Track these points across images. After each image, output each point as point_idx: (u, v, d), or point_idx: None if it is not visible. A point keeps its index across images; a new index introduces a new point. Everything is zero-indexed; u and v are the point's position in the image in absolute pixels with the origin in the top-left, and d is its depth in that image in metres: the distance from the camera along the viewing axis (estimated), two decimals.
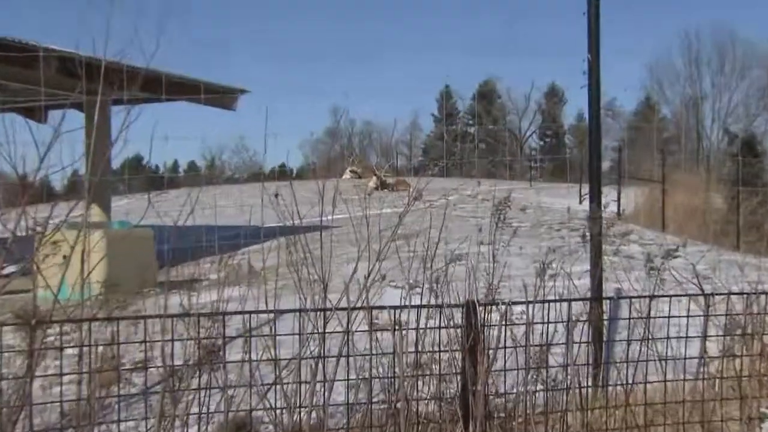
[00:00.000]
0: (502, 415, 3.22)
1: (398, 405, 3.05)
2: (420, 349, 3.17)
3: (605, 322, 3.74)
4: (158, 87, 8.08)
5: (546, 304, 3.25)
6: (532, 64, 71.93)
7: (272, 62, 73.43)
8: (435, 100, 64.15)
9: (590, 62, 4.08)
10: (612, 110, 53.37)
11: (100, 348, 2.87)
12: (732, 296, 3.55)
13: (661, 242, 9.76)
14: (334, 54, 74.30)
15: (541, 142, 65.06)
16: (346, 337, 3.02)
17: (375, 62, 75.33)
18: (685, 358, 3.38)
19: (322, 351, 3.01)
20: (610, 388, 3.58)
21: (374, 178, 25.84)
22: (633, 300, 3.44)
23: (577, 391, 3.26)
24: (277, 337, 3.05)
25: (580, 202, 18.90)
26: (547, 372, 3.30)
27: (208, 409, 2.93)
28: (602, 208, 4.05)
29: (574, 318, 3.29)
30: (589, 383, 3.47)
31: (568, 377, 3.28)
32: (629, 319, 3.43)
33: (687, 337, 3.39)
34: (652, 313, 3.39)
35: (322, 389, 2.97)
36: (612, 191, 16.11)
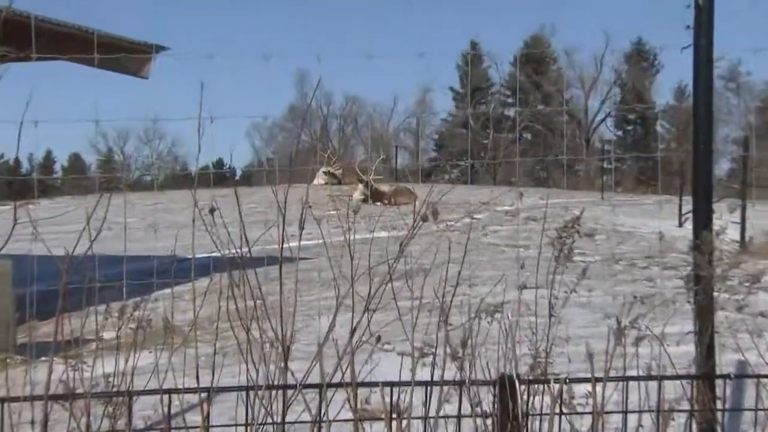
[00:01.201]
0: None
1: None
2: None
3: (719, 414, 3.78)
4: (26, 39, 8.14)
5: (624, 383, 3.30)
6: (605, 10, 72.28)
7: (208, 11, 73.77)
8: (456, 67, 64.51)
9: (699, 6, 4.12)
10: (735, 82, 53.60)
11: None
12: None
13: None
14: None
15: (620, 132, 65.31)
16: (316, 430, 3.06)
17: (363, 8, 75.67)
18: None
19: None
20: None
21: (361, 185, 25.92)
22: (765, 380, 3.48)
23: None
24: (212, 429, 3.09)
25: (680, 225, 19.01)
26: None
27: None
28: (715, 235, 4.10)
29: (668, 405, 3.33)
30: None
31: None
32: (757, 410, 3.47)
33: None
34: None
35: None
36: (732, 208, 16.17)
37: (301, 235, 3.19)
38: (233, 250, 3.25)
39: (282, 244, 3.16)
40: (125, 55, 10.01)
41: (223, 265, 3.23)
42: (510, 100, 64.66)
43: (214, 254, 3.30)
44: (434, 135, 67.68)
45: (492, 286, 3.81)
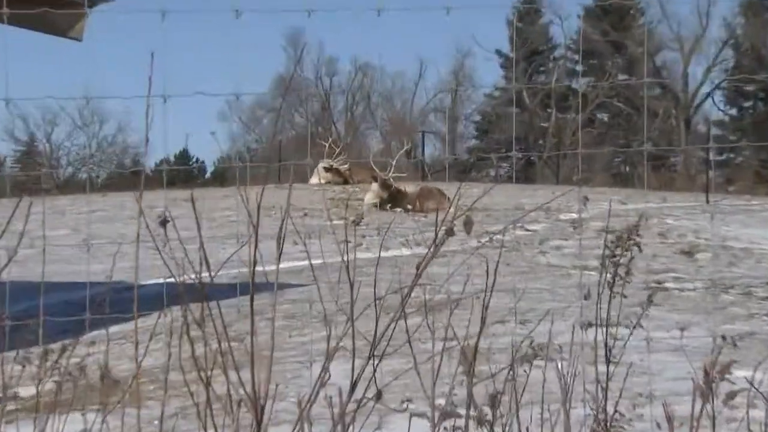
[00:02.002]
0: None
1: None
2: None
3: None
4: None
5: None
6: None
7: None
8: (505, 23, 64.29)
9: None
10: None
11: None
12: None
13: None
14: None
15: (733, 110, 64.93)
16: None
17: None
18: None
19: None
20: None
21: (375, 185, 25.95)
22: None
23: None
24: None
25: None
26: None
27: None
28: None
29: None
30: None
31: None
32: None
33: None
34: None
35: None
36: None
37: (279, 257, 3.19)
38: (193, 274, 3.25)
39: (253, 267, 3.16)
40: (47, 9, 10.02)
41: (178, 295, 3.24)
42: (579, 68, 64.38)
43: (169, 280, 3.31)
44: (475, 116, 67.66)
45: (543, 319, 3.81)
